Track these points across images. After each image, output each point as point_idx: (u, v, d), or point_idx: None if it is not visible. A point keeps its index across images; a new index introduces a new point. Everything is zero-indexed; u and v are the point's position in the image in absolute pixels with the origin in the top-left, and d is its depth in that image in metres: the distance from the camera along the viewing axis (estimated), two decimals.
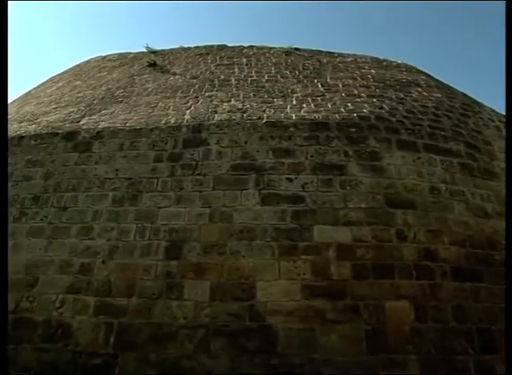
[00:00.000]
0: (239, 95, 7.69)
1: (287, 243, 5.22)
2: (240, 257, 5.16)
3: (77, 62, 11.85)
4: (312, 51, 10.42)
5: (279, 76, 8.63)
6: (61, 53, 42.03)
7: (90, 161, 6.45)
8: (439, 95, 8.17)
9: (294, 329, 4.66)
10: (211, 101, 7.52)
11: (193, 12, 41.21)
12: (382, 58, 10.28)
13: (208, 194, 5.73)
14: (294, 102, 7.31)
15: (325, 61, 9.68)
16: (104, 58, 11.42)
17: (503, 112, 7.63)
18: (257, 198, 5.62)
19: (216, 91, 7.99)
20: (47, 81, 11.07)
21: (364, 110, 6.95)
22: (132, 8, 39.56)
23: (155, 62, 10.08)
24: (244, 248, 5.21)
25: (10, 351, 4.75)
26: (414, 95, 7.97)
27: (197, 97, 7.77)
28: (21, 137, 7.18)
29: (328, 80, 8.48)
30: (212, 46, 10.78)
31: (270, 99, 7.46)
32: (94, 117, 7.44)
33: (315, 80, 8.41)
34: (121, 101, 8.01)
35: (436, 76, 9.73)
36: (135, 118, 7.15)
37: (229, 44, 10.81)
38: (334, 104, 7.22)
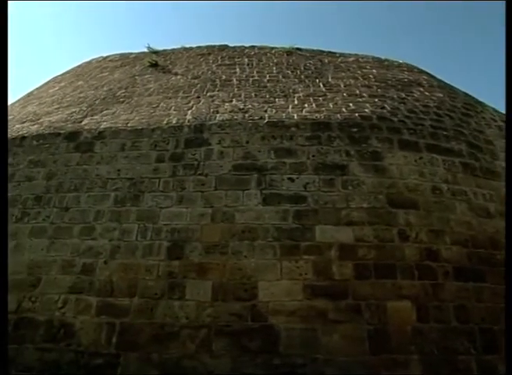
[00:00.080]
0: (240, 95, 7.69)
1: (289, 243, 5.22)
2: (241, 257, 5.16)
3: (79, 63, 11.87)
4: (314, 51, 10.41)
5: (280, 76, 8.62)
6: (62, 53, 42.15)
7: (92, 161, 6.45)
8: (441, 95, 8.16)
9: (296, 329, 4.66)
10: (213, 101, 7.52)
11: (195, 12, 41.26)
12: (383, 57, 10.27)
13: (210, 195, 5.73)
14: (296, 102, 7.31)
15: (326, 61, 9.68)
16: (105, 58, 11.43)
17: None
18: (258, 198, 5.62)
19: (218, 91, 7.99)
20: (49, 81, 11.09)
21: (366, 110, 6.95)
22: (133, 9, 39.64)
23: (157, 62, 10.08)
24: (246, 248, 5.21)
25: (12, 351, 4.76)
26: (415, 95, 7.96)
27: (198, 97, 7.78)
28: (23, 138, 7.19)
29: (330, 79, 8.47)
30: (214, 46, 10.78)
31: (272, 99, 7.46)
32: (95, 117, 7.45)
33: (317, 80, 8.41)
34: (123, 102, 8.02)
35: (437, 76, 9.72)
36: (137, 118, 7.16)
37: (231, 44, 10.81)
38: (336, 104, 7.21)
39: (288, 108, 7.07)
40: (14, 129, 7.67)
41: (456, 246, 5.35)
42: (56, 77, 11.26)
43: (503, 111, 7.52)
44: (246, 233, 5.33)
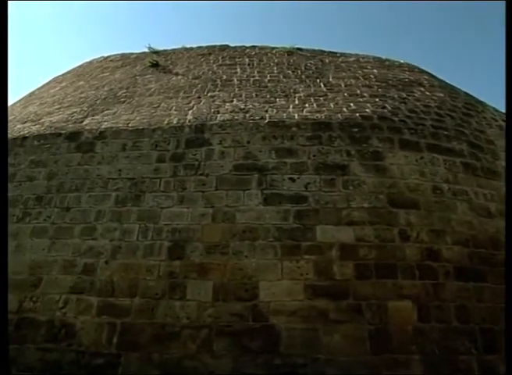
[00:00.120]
0: (241, 95, 7.69)
1: (290, 243, 5.22)
2: (242, 257, 5.16)
3: (79, 63, 11.88)
4: (314, 51, 10.41)
5: (281, 76, 8.62)
6: (62, 53, 42.19)
7: (93, 161, 6.46)
8: (442, 95, 8.15)
9: (297, 329, 4.66)
10: (214, 101, 7.52)
11: (196, 13, 41.26)
12: (384, 57, 10.27)
13: (211, 195, 5.73)
14: (297, 102, 7.31)
15: (327, 61, 9.67)
16: (106, 58, 11.44)
17: None
18: (259, 198, 5.62)
19: (218, 91, 7.99)
20: (50, 82, 11.11)
21: (367, 110, 6.95)
22: (133, 9, 39.65)
23: (158, 62, 10.09)
24: (247, 248, 5.21)
25: (14, 351, 4.76)
26: (416, 95, 7.95)
27: (199, 97, 7.78)
28: (24, 138, 7.20)
29: (331, 79, 8.47)
30: (214, 46, 10.78)
31: (272, 99, 7.46)
32: (96, 117, 7.46)
33: (318, 80, 8.40)
34: (123, 102, 8.02)
35: (438, 76, 9.71)
36: (137, 118, 7.16)
37: (232, 45, 10.81)
38: (336, 104, 7.21)
39: (289, 108, 7.07)
40: (15, 129, 7.68)
41: (457, 246, 5.35)
42: (57, 77, 11.28)
43: (504, 110, 7.51)
44: (247, 233, 5.33)
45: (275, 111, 6.93)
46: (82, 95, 8.83)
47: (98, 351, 4.70)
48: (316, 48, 10.52)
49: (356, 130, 6.41)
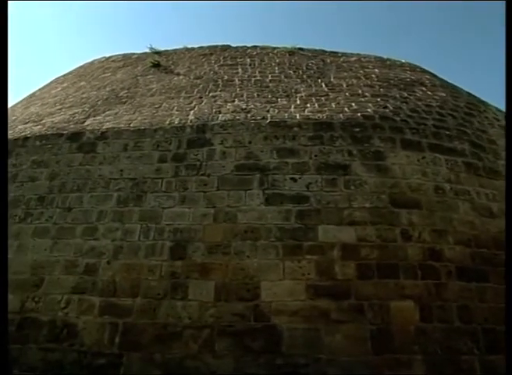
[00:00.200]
0: (242, 95, 7.69)
1: (291, 243, 5.22)
2: (244, 257, 5.16)
3: (80, 63, 11.91)
4: (316, 50, 10.40)
5: (282, 76, 8.62)
6: (63, 54, 42.25)
7: (94, 161, 6.47)
8: (444, 94, 8.14)
9: (299, 329, 4.65)
10: (215, 101, 7.52)
11: (197, 13, 41.28)
12: (385, 57, 10.26)
13: (213, 195, 5.73)
14: (298, 102, 7.31)
15: (328, 60, 9.67)
16: (108, 59, 11.46)
17: None
18: (261, 198, 5.62)
19: (220, 91, 8.00)
20: (51, 82, 11.12)
21: (368, 109, 6.94)
22: (135, 9, 39.69)
23: (159, 62, 10.09)
24: (249, 248, 5.21)
25: (16, 351, 4.78)
26: (418, 94, 7.94)
27: (200, 97, 7.78)
28: (26, 138, 7.21)
29: (332, 79, 8.46)
30: (216, 46, 10.78)
31: (274, 99, 7.46)
32: (98, 118, 7.47)
33: (319, 80, 8.40)
34: (125, 102, 8.03)
35: (440, 76, 9.70)
36: (139, 118, 7.17)
37: (233, 45, 10.81)
38: (338, 103, 7.20)
39: (290, 108, 7.07)
40: (17, 129, 7.70)
41: (459, 246, 5.34)
42: (58, 78, 11.29)
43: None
44: (248, 233, 5.33)
45: (276, 111, 6.93)
46: (83, 96, 8.84)
47: (100, 351, 4.71)
48: (317, 48, 10.52)
49: (357, 129, 6.41)
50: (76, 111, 7.96)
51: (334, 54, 10.21)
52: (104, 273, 5.27)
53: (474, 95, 8.99)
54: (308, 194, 5.63)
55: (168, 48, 11.18)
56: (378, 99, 7.42)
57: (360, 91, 7.79)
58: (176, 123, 6.82)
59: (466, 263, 5.22)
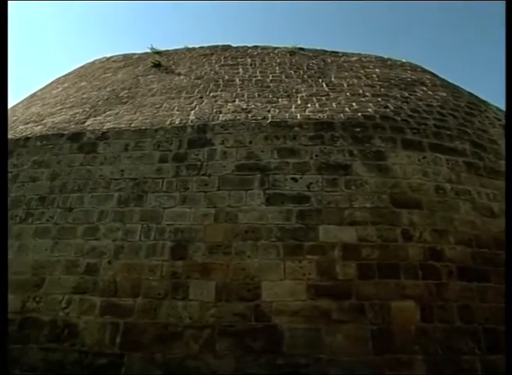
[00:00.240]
0: (243, 95, 7.69)
1: (292, 243, 5.22)
2: (245, 257, 5.16)
3: (81, 63, 11.92)
4: (316, 50, 10.40)
5: (283, 76, 8.62)
6: (63, 54, 42.29)
7: (95, 162, 6.47)
8: (445, 94, 8.14)
9: (300, 329, 4.65)
10: (216, 101, 7.52)
11: (197, 13, 41.29)
12: (386, 57, 10.25)
13: (213, 195, 5.73)
14: (299, 102, 7.31)
15: (329, 60, 9.67)
16: (108, 59, 11.46)
17: None
18: (262, 198, 5.61)
19: (221, 91, 8.00)
20: (52, 82, 11.13)
21: (369, 109, 6.94)
22: (135, 9, 39.69)
23: (160, 62, 10.10)
24: (249, 248, 5.21)
25: (17, 351, 4.78)
26: (419, 94, 7.94)
27: (201, 97, 7.78)
28: (27, 138, 7.22)
29: (333, 79, 8.46)
30: (217, 46, 10.78)
31: (275, 99, 7.46)
32: (99, 118, 7.47)
33: (320, 80, 8.40)
34: (126, 102, 8.03)
35: (441, 76, 9.69)
36: (140, 118, 7.17)
37: (234, 45, 10.81)
38: (339, 103, 7.20)
39: (291, 108, 7.06)
40: (18, 130, 7.70)
41: (460, 246, 5.34)
42: (59, 78, 11.30)
43: None
44: (249, 233, 5.33)
45: (277, 111, 6.93)
46: (84, 96, 8.85)
47: (101, 351, 4.71)
48: (318, 48, 10.52)
49: (358, 129, 6.41)
50: (77, 111, 7.97)
51: (335, 54, 10.21)
52: (105, 273, 5.27)
53: (475, 95, 8.99)
54: (309, 194, 5.63)
55: (169, 48, 11.19)
56: (379, 99, 7.42)
57: (360, 91, 7.79)
58: (177, 123, 6.82)
59: (467, 263, 5.22)
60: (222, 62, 9.64)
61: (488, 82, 36.77)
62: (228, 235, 5.35)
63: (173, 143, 6.46)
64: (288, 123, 6.50)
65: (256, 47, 10.61)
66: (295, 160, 5.98)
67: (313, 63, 9.43)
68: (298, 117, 6.66)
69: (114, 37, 43.63)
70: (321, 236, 5.26)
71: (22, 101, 10.32)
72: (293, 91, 7.83)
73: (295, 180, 5.78)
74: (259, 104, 7.24)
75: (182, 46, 11.17)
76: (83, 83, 9.90)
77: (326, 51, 10.33)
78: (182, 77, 9.00)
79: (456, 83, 9.45)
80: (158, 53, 10.88)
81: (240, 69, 9.11)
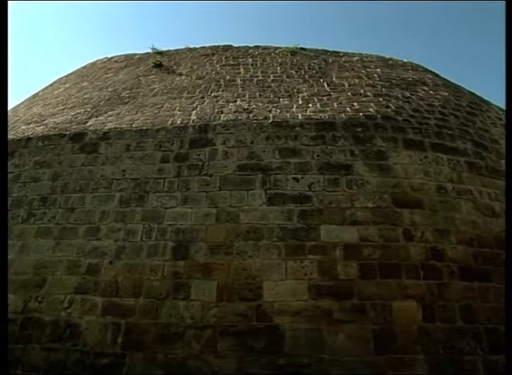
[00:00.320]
0: (245, 95, 7.69)
1: (294, 243, 5.22)
2: (246, 257, 5.16)
3: (82, 63, 11.94)
4: (318, 50, 10.39)
5: (284, 76, 8.62)
6: (64, 54, 42.31)
7: (97, 162, 6.48)
8: (446, 94, 8.13)
9: (301, 329, 4.65)
10: (217, 101, 7.53)
11: (198, 13, 41.28)
12: (387, 57, 10.24)
13: (215, 195, 5.73)
14: (300, 102, 7.31)
15: (330, 60, 9.66)
16: (110, 59, 11.47)
17: None
18: (263, 198, 5.62)
19: (222, 91, 8.00)
20: (53, 83, 11.14)
21: (371, 109, 6.93)
22: (136, 9, 39.70)
23: (161, 62, 10.10)
24: (251, 248, 5.21)
25: (19, 351, 4.79)
26: (420, 94, 7.93)
27: (203, 97, 7.79)
28: (29, 139, 7.23)
29: (334, 79, 8.46)
30: (218, 46, 10.78)
31: (276, 99, 7.46)
32: (100, 118, 7.48)
33: (321, 80, 8.40)
34: (127, 102, 8.04)
35: (442, 75, 9.68)
36: (141, 119, 7.18)
37: (235, 45, 10.80)
38: (340, 103, 7.20)
39: (292, 108, 7.06)
40: (19, 130, 7.71)
41: (462, 245, 5.33)
42: (61, 78, 11.31)
43: None
44: (251, 233, 5.33)
45: (278, 111, 6.93)
46: (86, 96, 8.86)
47: (103, 351, 4.72)
48: (319, 48, 10.50)
49: (360, 129, 6.40)
50: (79, 111, 7.98)
51: (336, 54, 10.20)
52: (107, 273, 5.28)
53: (476, 95, 8.98)
54: (310, 194, 5.63)
55: (171, 49, 11.18)
56: (381, 99, 7.41)
57: (362, 91, 7.78)
58: (178, 123, 6.83)
59: (468, 263, 5.21)
60: (224, 62, 9.64)
61: (489, 82, 36.78)
62: (229, 235, 5.35)
63: (175, 143, 6.46)
64: (289, 123, 6.50)
65: (257, 47, 10.61)
66: (296, 160, 5.98)
67: (314, 63, 9.42)
68: (299, 117, 6.66)
69: (115, 38, 43.65)
70: (323, 236, 5.26)
71: (23, 102, 10.34)
72: (295, 90, 7.83)
73: (296, 180, 5.78)
74: (260, 104, 7.24)
75: (183, 46, 11.18)
76: (84, 84, 9.91)
77: (327, 51, 10.33)
78: (183, 77, 9.01)
79: (458, 83, 9.45)
80: (160, 53, 10.88)
81: (242, 69, 9.11)
